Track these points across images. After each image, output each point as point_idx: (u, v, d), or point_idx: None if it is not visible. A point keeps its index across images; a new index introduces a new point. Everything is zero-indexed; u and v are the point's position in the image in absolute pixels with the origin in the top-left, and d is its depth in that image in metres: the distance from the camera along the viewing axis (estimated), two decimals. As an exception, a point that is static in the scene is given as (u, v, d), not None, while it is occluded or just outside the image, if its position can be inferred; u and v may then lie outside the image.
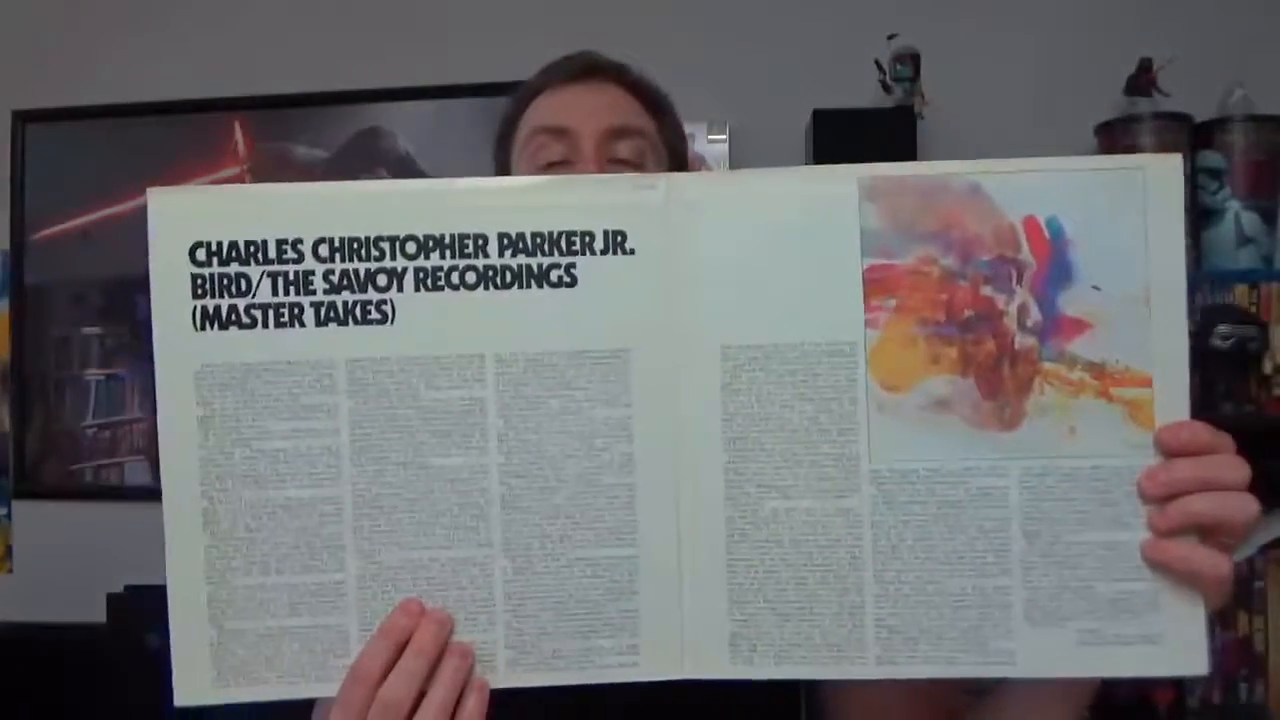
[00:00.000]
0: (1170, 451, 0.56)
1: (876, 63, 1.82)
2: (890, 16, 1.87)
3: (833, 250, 0.57)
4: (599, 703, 0.63)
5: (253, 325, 0.57)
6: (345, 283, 0.57)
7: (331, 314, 0.57)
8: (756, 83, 1.96)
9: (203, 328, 0.57)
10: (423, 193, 0.60)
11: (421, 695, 0.55)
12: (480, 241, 0.58)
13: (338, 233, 0.58)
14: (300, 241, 0.57)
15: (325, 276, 0.57)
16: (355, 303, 0.57)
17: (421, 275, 0.58)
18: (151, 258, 0.58)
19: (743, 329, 0.57)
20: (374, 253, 0.58)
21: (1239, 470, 0.55)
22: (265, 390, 0.57)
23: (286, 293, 0.57)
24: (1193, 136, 1.72)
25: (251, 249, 0.57)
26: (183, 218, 0.58)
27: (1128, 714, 1.52)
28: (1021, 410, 0.56)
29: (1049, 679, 0.60)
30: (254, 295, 0.57)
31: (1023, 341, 0.56)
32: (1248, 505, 0.54)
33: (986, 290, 0.56)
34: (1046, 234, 0.56)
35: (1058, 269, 0.56)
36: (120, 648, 1.88)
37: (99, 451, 2.17)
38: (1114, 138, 1.74)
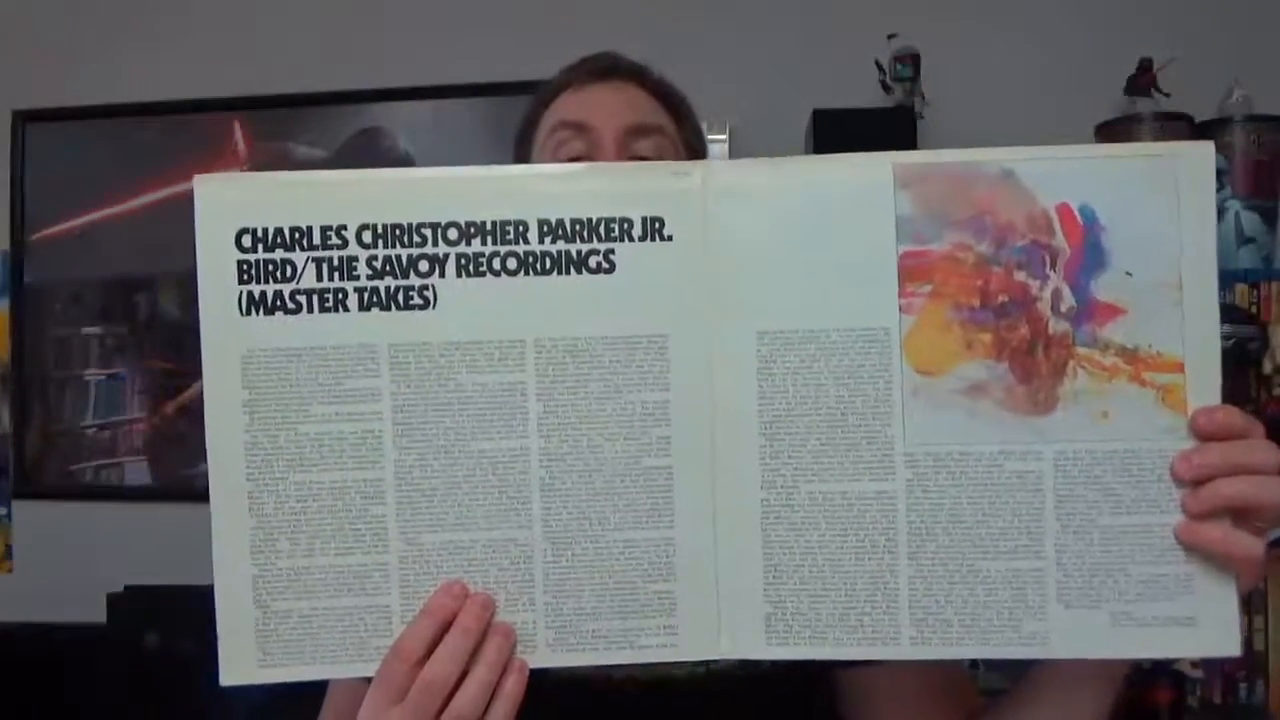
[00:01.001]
0: (1204, 434, 0.56)
1: (876, 63, 1.82)
2: (890, 16, 1.87)
3: (867, 236, 0.58)
4: (618, 686, 0.64)
5: (297, 310, 0.58)
6: (388, 268, 0.58)
7: (374, 299, 0.58)
8: (756, 83, 1.96)
9: (248, 313, 0.58)
10: (464, 179, 0.60)
11: (462, 675, 0.56)
12: (521, 228, 0.58)
13: (381, 219, 0.58)
14: (344, 228, 0.58)
15: (368, 262, 0.58)
16: (398, 288, 0.58)
17: (463, 261, 0.58)
18: (198, 244, 0.58)
19: (778, 314, 0.58)
20: (416, 239, 0.58)
21: (1271, 454, 0.55)
22: (309, 374, 0.58)
23: (330, 278, 0.58)
24: (1193, 136, 1.72)
25: (296, 235, 0.58)
26: (228, 205, 0.58)
27: (1128, 714, 1.52)
28: (1055, 394, 0.57)
29: (1082, 660, 0.61)
30: (299, 281, 0.58)
31: (1056, 326, 0.57)
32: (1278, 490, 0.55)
33: (1020, 276, 0.57)
34: (1080, 220, 0.56)
35: (1091, 255, 0.56)
36: (120, 648, 1.88)
37: (99, 451, 2.17)
38: (1114, 138, 1.74)
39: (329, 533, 0.58)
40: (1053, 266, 0.57)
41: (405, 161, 2.08)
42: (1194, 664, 1.58)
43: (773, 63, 1.97)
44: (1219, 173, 1.71)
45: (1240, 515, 0.56)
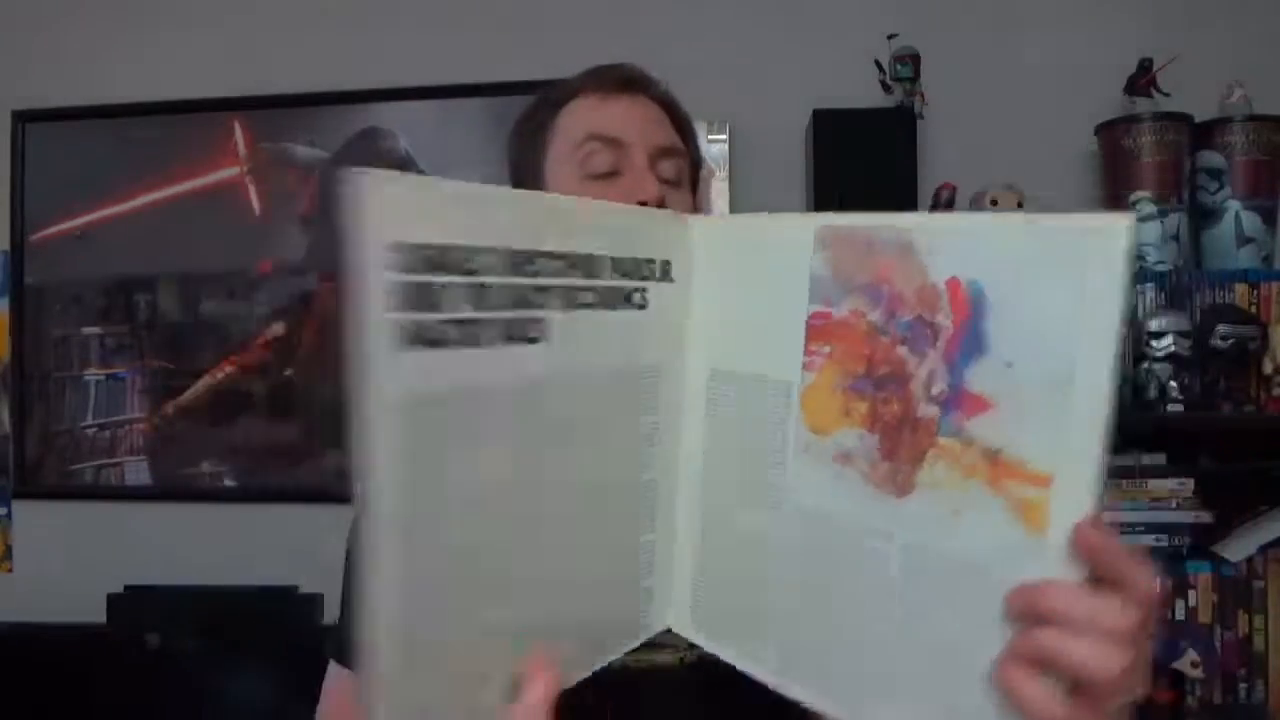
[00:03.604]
0: (1080, 551, 0.46)
1: (876, 63, 1.82)
2: (890, 16, 1.87)
3: (787, 294, 0.58)
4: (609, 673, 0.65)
5: (449, 344, 0.50)
6: (515, 300, 0.53)
7: (520, 331, 0.53)
8: (756, 83, 1.96)
9: (404, 347, 0.48)
10: (568, 209, 0.60)
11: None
12: (600, 262, 0.58)
13: (523, 245, 0.53)
14: (526, 250, 0.53)
15: (507, 290, 0.53)
16: (527, 320, 0.53)
17: (568, 294, 0.56)
18: (353, 261, 0.46)
19: (724, 357, 0.62)
20: (532, 269, 0.54)
21: (1123, 616, 0.46)
22: (473, 416, 0.51)
23: (495, 307, 0.52)
24: (1193, 136, 1.72)
25: (465, 257, 0.50)
26: (394, 215, 0.48)
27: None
28: (913, 480, 0.52)
29: None
30: (453, 310, 0.50)
31: (924, 410, 0.51)
32: (1109, 659, 0.45)
33: (901, 350, 0.52)
34: (967, 297, 0.50)
35: (971, 337, 0.50)
36: (120, 648, 1.88)
37: (99, 451, 2.17)
38: (1114, 138, 1.74)
39: (470, 586, 0.52)
40: (934, 344, 0.51)
41: (406, 161, 2.08)
42: (1194, 664, 1.58)
43: (773, 63, 1.97)
44: (1218, 172, 1.71)
45: (1074, 679, 0.47)
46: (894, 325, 0.53)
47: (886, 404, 0.53)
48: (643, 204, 0.79)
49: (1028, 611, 0.47)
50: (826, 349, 0.56)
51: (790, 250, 0.57)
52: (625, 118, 0.82)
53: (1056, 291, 0.47)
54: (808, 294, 0.57)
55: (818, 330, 0.56)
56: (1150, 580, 0.46)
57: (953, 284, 0.50)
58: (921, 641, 0.52)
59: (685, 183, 0.85)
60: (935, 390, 0.51)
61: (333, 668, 0.85)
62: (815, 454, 0.57)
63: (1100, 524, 0.46)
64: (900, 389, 0.52)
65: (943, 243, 0.51)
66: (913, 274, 0.52)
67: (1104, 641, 0.45)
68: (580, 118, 0.83)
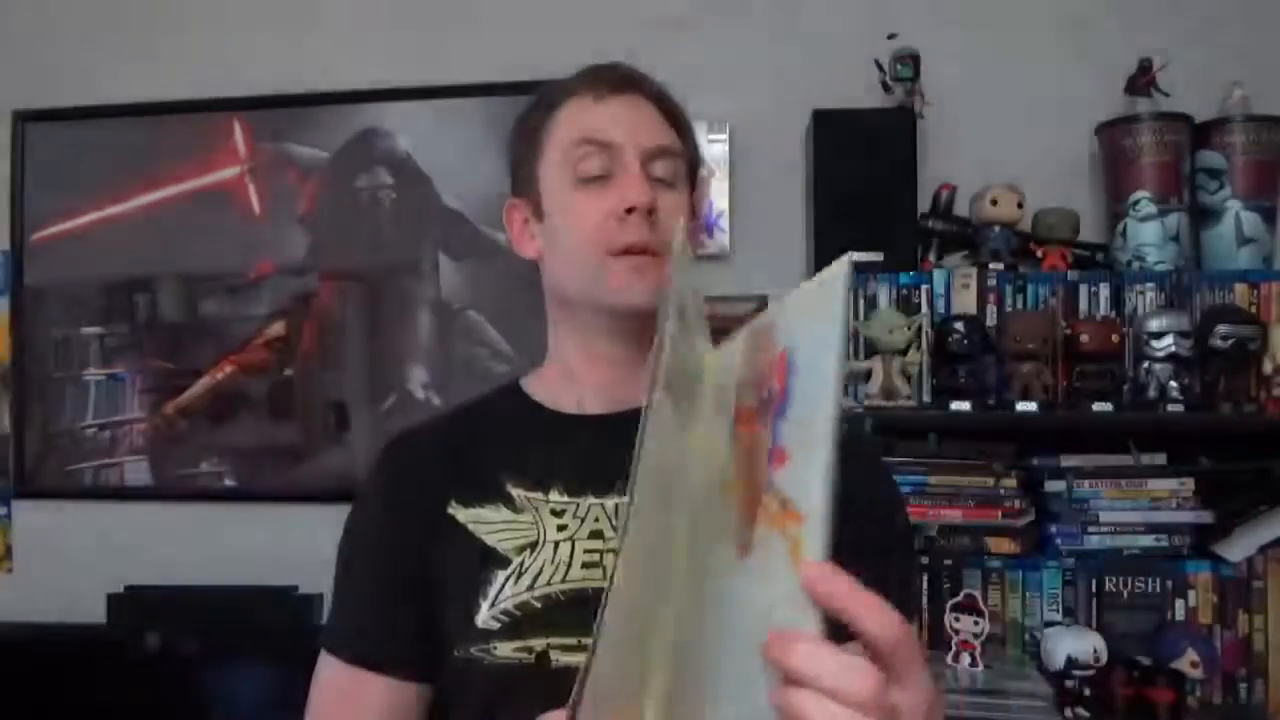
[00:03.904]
0: (813, 596, 0.45)
1: (876, 63, 1.82)
2: (890, 16, 1.87)
3: (725, 379, 0.60)
4: None
5: None
6: None
7: None
8: (756, 83, 1.96)
9: None
10: None
11: None
12: None
13: None
14: None
15: None
16: None
17: None
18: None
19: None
20: None
21: (865, 680, 0.43)
22: None
23: None
24: (1193, 136, 1.72)
25: None
26: None
27: (1128, 714, 1.52)
28: (751, 539, 0.52)
29: None
30: None
31: (764, 473, 0.52)
32: (827, 713, 0.43)
33: (759, 424, 0.54)
34: (786, 363, 0.52)
35: (785, 398, 0.51)
36: (120, 648, 1.88)
37: (99, 451, 2.17)
38: (1114, 138, 1.74)
39: None
40: (771, 411, 0.52)
41: (405, 161, 2.08)
42: (1194, 664, 1.58)
43: (773, 63, 1.97)
44: (1218, 172, 1.71)
45: None
46: (761, 400, 0.54)
47: (748, 477, 0.54)
48: (632, 209, 0.79)
49: (777, 667, 0.45)
50: (740, 428, 0.57)
51: (730, 344, 0.60)
52: (618, 119, 0.82)
53: (809, 345, 0.50)
54: (734, 378, 0.59)
55: (738, 411, 0.58)
56: (888, 630, 0.45)
57: (781, 354, 0.53)
58: (749, 708, 0.51)
59: (681, 182, 0.85)
60: (768, 452, 0.52)
61: (324, 658, 0.85)
62: (729, 531, 0.56)
63: (829, 569, 0.44)
64: (756, 459, 0.53)
65: (785, 317, 0.54)
66: (770, 349, 0.55)
67: (824, 698, 0.43)
68: (573, 120, 0.83)
